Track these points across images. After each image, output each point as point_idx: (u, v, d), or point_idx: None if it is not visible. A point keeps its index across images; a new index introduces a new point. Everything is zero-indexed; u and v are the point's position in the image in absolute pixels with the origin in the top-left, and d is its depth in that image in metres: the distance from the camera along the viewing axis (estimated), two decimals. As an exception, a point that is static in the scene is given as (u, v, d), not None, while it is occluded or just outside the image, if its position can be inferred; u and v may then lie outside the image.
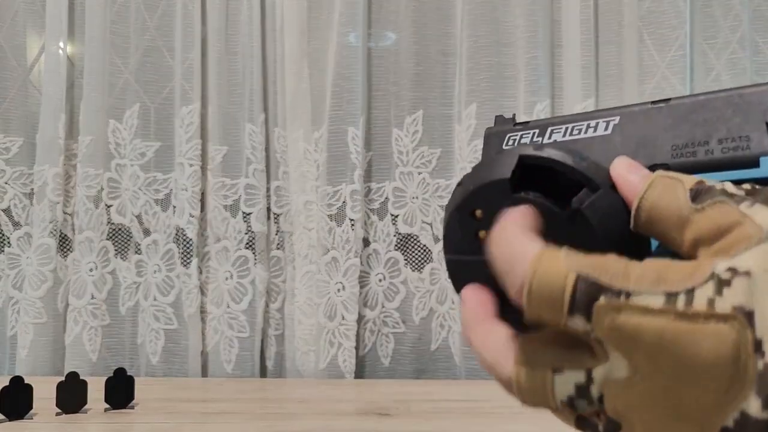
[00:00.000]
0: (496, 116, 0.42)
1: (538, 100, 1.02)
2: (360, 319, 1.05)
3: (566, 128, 0.36)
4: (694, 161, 0.31)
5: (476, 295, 0.29)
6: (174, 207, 1.05)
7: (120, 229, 1.07)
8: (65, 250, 1.06)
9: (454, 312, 1.04)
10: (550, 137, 0.37)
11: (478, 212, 0.29)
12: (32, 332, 1.02)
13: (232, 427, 0.75)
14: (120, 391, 0.80)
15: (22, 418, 0.75)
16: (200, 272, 1.05)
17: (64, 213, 1.05)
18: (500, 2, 1.05)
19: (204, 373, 1.05)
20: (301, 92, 1.06)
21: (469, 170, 0.42)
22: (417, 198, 1.06)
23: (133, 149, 1.06)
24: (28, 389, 0.75)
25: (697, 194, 0.25)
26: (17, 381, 0.75)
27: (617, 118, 0.34)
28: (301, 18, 1.05)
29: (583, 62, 1.02)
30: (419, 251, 1.06)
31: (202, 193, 1.06)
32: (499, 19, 1.05)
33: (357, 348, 1.04)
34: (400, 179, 1.06)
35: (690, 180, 0.26)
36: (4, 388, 0.74)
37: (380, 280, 1.06)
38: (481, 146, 0.44)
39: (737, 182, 0.28)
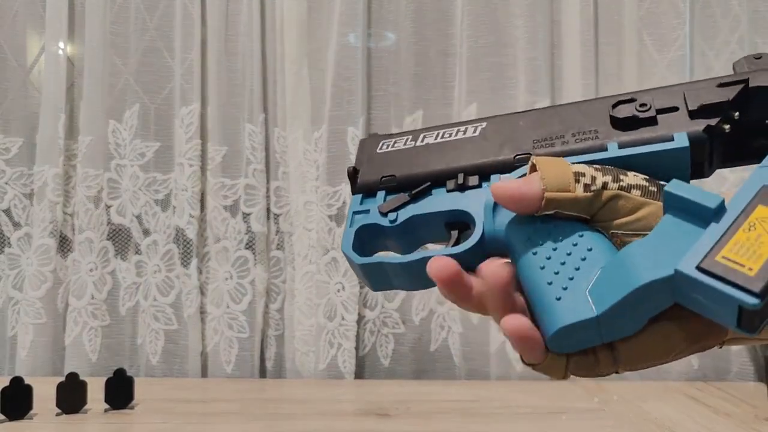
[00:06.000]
0: (370, 134, 0.48)
1: (538, 100, 1.02)
2: (360, 319, 1.05)
3: (437, 133, 0.41)
4: (552, 150, 0.37)
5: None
6: (174, 207, 1.05)
7: (120, 230, 1.07)
8: (65, 250, 1.06)
9: (453, 312, 1.04)
10: (423, 141, 0.42)
11: None
12: (32, 333, 1.02)
13: (232, 427, 0.75)
14: (120, 391, 0.80)
15: (22, 419, 0.75)
16: (200, 273, 1.05)
17: (64, 213, 1.05)
18: (500, 2, 1.05)
19: (204, 373, 1.05)
20: (301, 92, 1.06)
21: None
22: (417, 198, 1.05)
23: (133, 149, 1.06)
24: (28, 389, 0.75)
25: None
26: (17, 381, 0.75)
27: (484, 123, 0.40)
28: (301, 18, 1.05)
29: (583, 62, 1.02)
30: (419, 251, 1.06)
31: (202, 194, 1.06)
32: (499, 19, 1.05)
33: (357, 348, 1.04)
34: (400, 179, 1.06)
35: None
36: (4, 388, 0.74)
37: (380, 281, 1.06)
38: None
39: (591, 162, 0.36)
